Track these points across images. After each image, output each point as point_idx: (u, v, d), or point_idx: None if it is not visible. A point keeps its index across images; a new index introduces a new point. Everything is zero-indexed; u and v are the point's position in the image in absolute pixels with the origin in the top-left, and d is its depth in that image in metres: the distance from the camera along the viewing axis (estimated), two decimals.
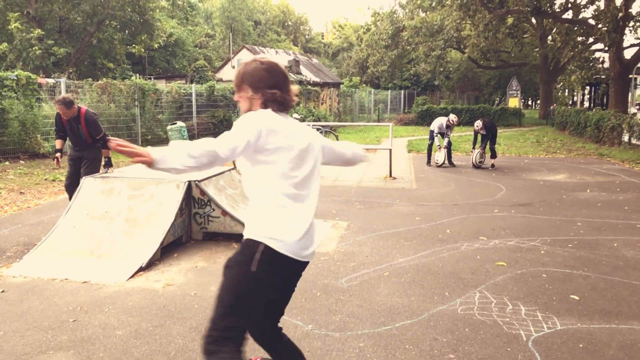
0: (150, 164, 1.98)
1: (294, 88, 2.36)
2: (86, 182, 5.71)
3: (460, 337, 3.49)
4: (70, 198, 6.48)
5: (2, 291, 4.27)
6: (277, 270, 2.23)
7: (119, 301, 4.05)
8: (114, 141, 2.02)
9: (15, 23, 23.35)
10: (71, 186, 6.50)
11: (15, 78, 12.75)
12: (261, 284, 2.20)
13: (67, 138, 6.55)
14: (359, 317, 3.80)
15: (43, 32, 23.72)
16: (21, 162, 11.97)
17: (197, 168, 2.05)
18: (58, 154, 6.59)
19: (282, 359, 2.55)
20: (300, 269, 2.37)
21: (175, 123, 9.83)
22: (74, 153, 6.53)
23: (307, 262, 2.34)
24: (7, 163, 11.72)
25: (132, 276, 4.62)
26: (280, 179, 2.20)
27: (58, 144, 6.63)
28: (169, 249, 5.29)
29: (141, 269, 4.75)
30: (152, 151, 1.99)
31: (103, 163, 6.64)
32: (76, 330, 3.56)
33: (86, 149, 6.44)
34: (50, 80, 14.41)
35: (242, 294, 2.19)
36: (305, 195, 2.29)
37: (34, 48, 23.23)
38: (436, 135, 12.43)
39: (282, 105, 2.29)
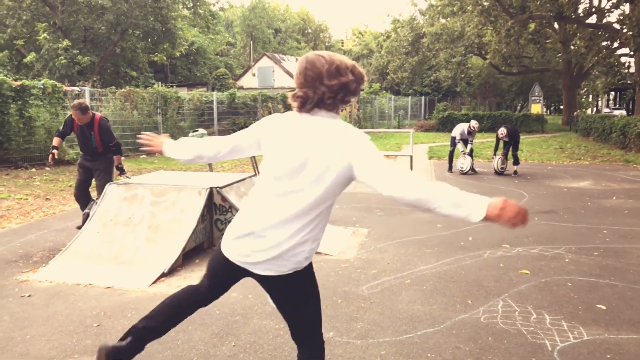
0: None
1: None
2: (110, 188, 5.78)
3: (484, 346, 3.44)
4: (81, 208, 6.45)
5: (29, 295, 4.35)
6: (220, 262, 2.39)
7: (142, 306, 4.09)
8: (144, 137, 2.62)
9: (44, 34, 23.92)
10: (80, 195, 6.44)
11: (42, 87, 13.05)
12: None
13: (72, 141, 6.50)
14: (380, 325, 3.77)
15: (70, 43, 24.24)
16: (47, 168, 12.20)
17: None
18: (55, 151, 6.45)
19: None
20: (249, 274, 2.26)
21: (197, 130, 9.94)
22: (84, 162, 6.46)
23: (260, 275, 2.21)
24: (33, 170, 11.96)
25: (155, 282, 4.66)
26: (261, 184, 2.27)
27: (56, 141, 6.52)
28: (190, 255, 5.33)
29: (163, 275, 4.80)
30: None
31: (118, 172, 6.59)
32: (100, 335, 3.60)
33: (96, 159, 6.37)
34: (75, 89, 14.69)
35: None
36: (270, 205, 2.20)
37: (59, 57, 23.75)
38: (458, 142, 12.31)
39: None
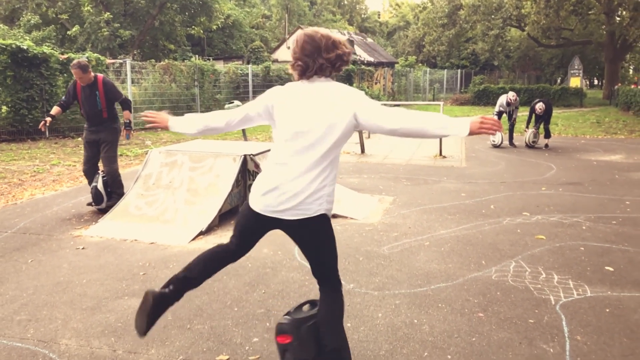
0: None
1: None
2: (152, 155, 6.24)
3: (491, 299, 3.74)
4: (89, 183, 6.27)
5: (83, 248, 4.86)
6: (249, 218, 2.67)
7: (182, 259, 4.54)
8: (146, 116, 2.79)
9: (87, 7, 24.69)
10: (89, 171, 6.30)
11: (86, 59, 13.65)
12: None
13: (80, 111, 6.29)
14: (397, 279, 4.11)
15: (111, 16, 24.93)
16: None
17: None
18: (49, 118, 6.13)
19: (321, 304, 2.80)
20: (277, 224, 2.59)
21: (232, 102, 10.32)
22: (89, 135, 6.21)
23: (289, 220, 2.50)
24: (79, 139, 12.63)
25: (193, 239, 5.11)
26: (277, 147, 2.52)
27: (55, 110, 6.25)
28: (226, 216, 5.75)
29: (201, 233, 5.24)
30: None
31: (123, 126, 6.46)
32: (146, 282, 4.06)
33: (102, 130, 6.14)
34: (117, 61, 15.28)
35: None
36: (288, 163, 2.50)
37: (102, 30, 24.48)
38: (495, 114, 12.35)
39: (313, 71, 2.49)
